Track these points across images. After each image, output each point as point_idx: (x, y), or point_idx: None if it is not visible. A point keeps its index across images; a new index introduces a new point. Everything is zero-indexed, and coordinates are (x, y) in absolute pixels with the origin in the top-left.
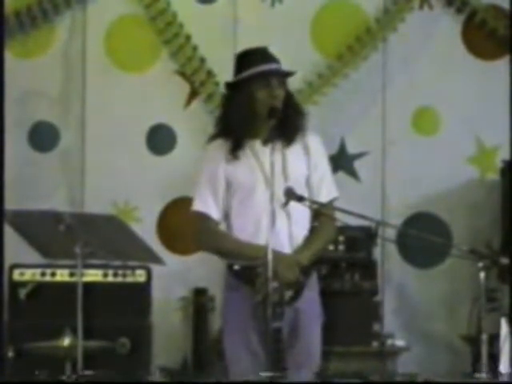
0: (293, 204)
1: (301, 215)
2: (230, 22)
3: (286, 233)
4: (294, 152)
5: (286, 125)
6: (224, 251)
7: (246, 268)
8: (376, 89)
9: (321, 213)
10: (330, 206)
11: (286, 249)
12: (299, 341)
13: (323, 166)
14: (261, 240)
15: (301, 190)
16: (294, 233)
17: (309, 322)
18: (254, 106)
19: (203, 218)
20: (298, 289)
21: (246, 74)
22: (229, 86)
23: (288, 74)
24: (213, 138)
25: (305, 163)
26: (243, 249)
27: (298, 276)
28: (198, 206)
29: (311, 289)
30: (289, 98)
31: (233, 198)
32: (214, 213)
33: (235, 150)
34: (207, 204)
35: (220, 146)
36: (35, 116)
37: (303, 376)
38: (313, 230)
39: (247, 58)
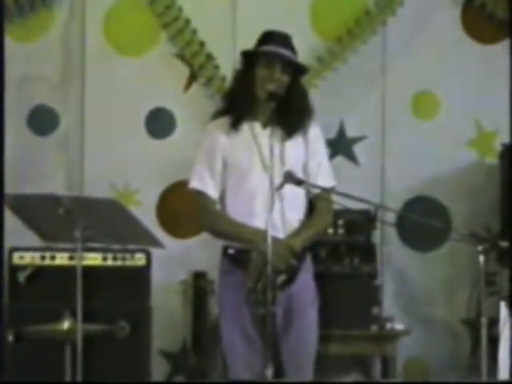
0: (288, 188)
1: (295, 199)
2: (229, 5)
3: (279, 216)
4: (293, 139)
5: (289, 119)
6: (219, 232)
7: (241, 252)
8: (375, 72)
9: (318, 198)
10: (327, 193)
11: (280, 232)
12: (293, 325)
13: (321, 153)
14: (255, 222)
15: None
16: (288, 216)
17: (303, 306)
18: (254, 85)
19: (200, 196)
20: (292, 273)
21: (252, 49)
22: (242, 60)
23: (291, 61)
24: (216, 115)
25: (302, 150)
26: (239, 231)
27: (289, 263)
28: (195, 183)
29: (305, 272)
30: (295, 91)
31: (228, 178)
32: (212, 191)
33: (234, 126)
34: (204, 182)
35: (221, 126)
36: (34, 100)
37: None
38: (309, 216)
39: (264, 37)
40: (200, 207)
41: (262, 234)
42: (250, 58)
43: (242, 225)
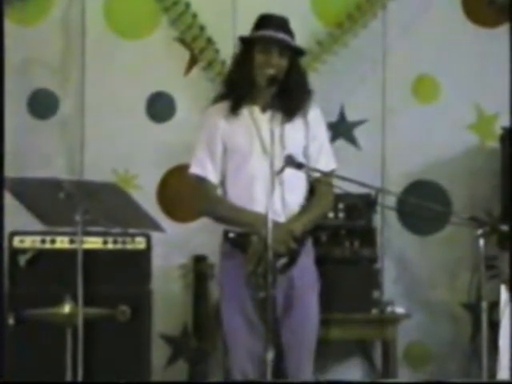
0: (288, 171)
1: (296, 182)
2: None
3: (279, 199)
4: (293, 122)
5: (288, 102)
6: (220, 217)
7: (241, 236)
8: (376, 57)
9: (319, 182)
10: (328, 177)
11: (281, 215)
12: (294, 308)
13: (322, 137)
14: (255, 206)
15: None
16: (288, 200)
17: (303, 290)
18: (252, 70)
19: (201, 181)
20: (292, 257)
21: (249, 35)
22: (240, 45)
23: (288, 45)
24: (216, 99)
25: (303, 134)
26: (239, 216)
27: (289, 247)
28: (195, 169)
29: (306, 256)
30: (294, 73)
31: (229, 163)
32: (212, 176)
33: (233, 110)
34: (205, 167)
35: (220, 110)
36: (34, 84)
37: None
38: (310, 200)
39: (260, 21)
40: (200, 193)
41: (263, 218)
42: (247, 43)
43: (243, 210)
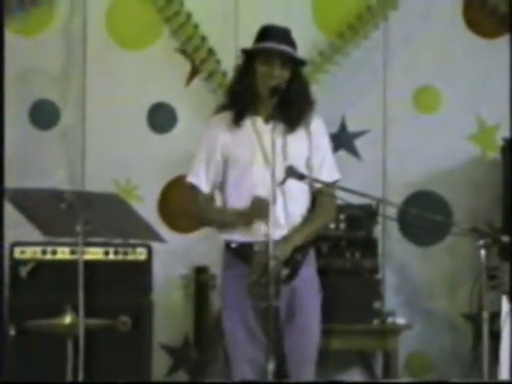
0: (291, 182)
1: (298, 193)
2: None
3: (281, 209)
4: (296, 133)
5: (290, 112)
6: (209, 221)
7: (243, 246)
8: (377, 67)
9: (321, 193)
10: (331, 186)
11: (283, 227)
12: (296, 319)
13: (324, 148)
14: None
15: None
16: (290, 209)
17: (306, 300)
18: (255, 81)
19: (193, 190)
20: (295, 267)
21: (251, 47)
22: (242, 57)
23: (290, 57)
24: (219, 109)
25: (305, 144)
26: (224, 216)
27: (291, 257)
28: (190, 178)
29: (308, 266)
30: (296, 84)
31: (230, 172)
32: (204, 186)
33: (236, 121)
34: (199, 176)
35: (222, 120)
36: (36, 94)
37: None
38: (312, 211)
39: (262, 33)
40: (192, 201)
41: (245, 216)
42: (250, 54)
43: (226, 209)
